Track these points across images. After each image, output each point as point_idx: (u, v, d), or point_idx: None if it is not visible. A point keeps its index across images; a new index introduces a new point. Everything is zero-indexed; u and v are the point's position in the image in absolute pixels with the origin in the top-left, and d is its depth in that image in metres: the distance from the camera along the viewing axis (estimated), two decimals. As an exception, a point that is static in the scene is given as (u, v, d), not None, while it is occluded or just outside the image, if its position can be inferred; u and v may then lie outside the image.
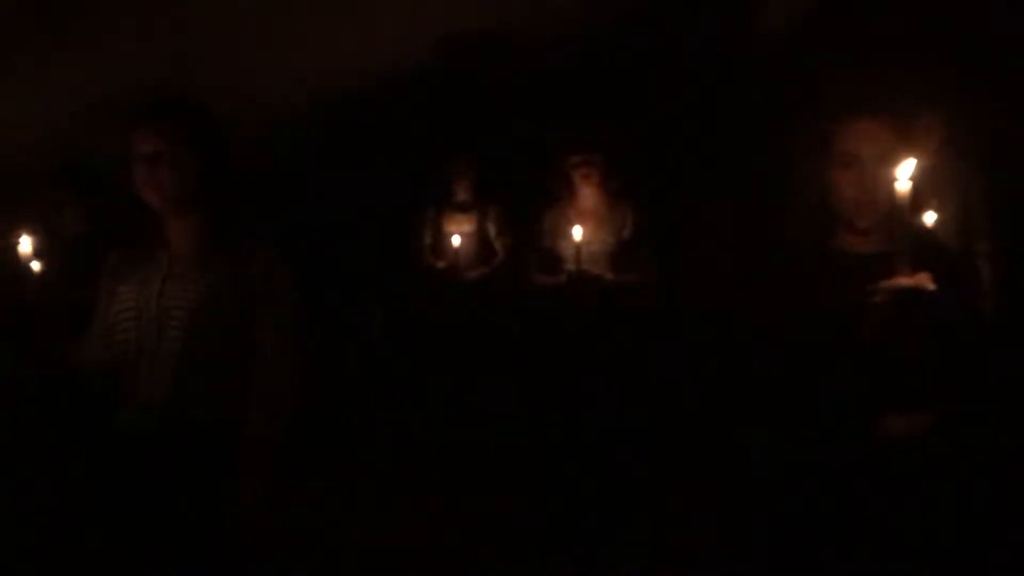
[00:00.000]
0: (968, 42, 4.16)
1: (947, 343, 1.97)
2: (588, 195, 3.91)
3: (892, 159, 1.91)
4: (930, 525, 1.96)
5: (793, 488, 2.08)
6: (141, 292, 2.15)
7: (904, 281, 1.81)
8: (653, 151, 5.08)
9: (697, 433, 4.31)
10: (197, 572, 2.06)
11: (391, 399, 5.25)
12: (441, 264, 5.02)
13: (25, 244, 2.06)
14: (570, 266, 3.77)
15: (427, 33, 4.63)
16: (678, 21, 5.07)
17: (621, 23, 5.04)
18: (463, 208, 5.07)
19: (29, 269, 2.09)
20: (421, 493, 4.20)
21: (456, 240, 4.93)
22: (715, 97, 5.29)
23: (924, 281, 1.81)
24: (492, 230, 5.06)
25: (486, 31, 4.87)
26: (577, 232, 3.73)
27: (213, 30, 3.68)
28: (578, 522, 3.60)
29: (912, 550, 1.95)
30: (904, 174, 1.86)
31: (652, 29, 5.09)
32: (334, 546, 3.62)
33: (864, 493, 1.98)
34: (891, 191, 1.88)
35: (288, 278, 2.19)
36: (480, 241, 5.06)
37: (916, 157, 1.91)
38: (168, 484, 2.07)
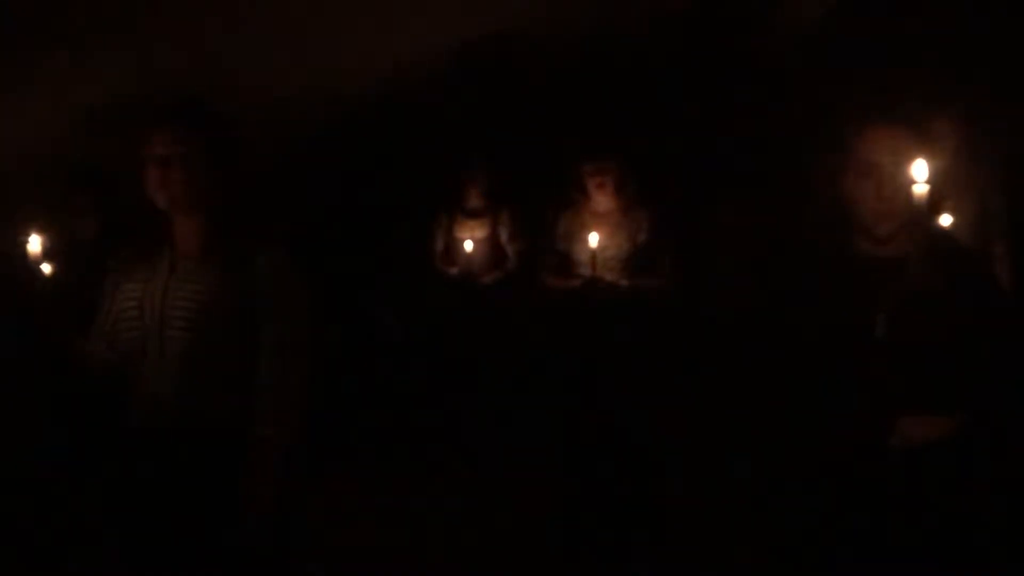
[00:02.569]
0: (982, 45, 4.14)
1: (967, 345, 1.95)
2: (603, 201, 3.90)
3: (910, 167, 1.90)
4: (946, 527, 1.94)
5: (812, 493, 2.06)
6: (145, 290, 2.15)
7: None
8: (669, 156, 5.07)
9: (712, 437, 4.28)
10: (204, 571, 2.05)
11: (401, 401, 5.24)
12: (453, 270, 5.02)
13: (35, 244, 2.06)
14: (585, 271, 3.76)
15: (440, 38, 4.64)
16: (696, 27, 5.07)
17: (637, 28, 5.04)
18: (475, 213, 5.05)
19: (39, 270, 2.09)
20: (430, 496, 4.19)
21: (468, 246, 4.91)
22: (733, 103, 5.28)
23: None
24: (504, 235, 5.04)
25: (499, 36, 4.88)
26: (593, 239, 3.71)
27: (226, 32, 3.70)
28: (590, 525, 3.58)
29: (934, 552, 1.93)
30: (920, 175, 1.85)
31: (669, 35, 5.09)
32: (343, 547, 3.61)
33: (884, 499, 1.95)
34: (909, 197, 1.88)
35: (294, 278, 2.18)
36: (492, 246, 5.03)
37: (931, 162, 1.90)
38: (175, 482, 2.06)
